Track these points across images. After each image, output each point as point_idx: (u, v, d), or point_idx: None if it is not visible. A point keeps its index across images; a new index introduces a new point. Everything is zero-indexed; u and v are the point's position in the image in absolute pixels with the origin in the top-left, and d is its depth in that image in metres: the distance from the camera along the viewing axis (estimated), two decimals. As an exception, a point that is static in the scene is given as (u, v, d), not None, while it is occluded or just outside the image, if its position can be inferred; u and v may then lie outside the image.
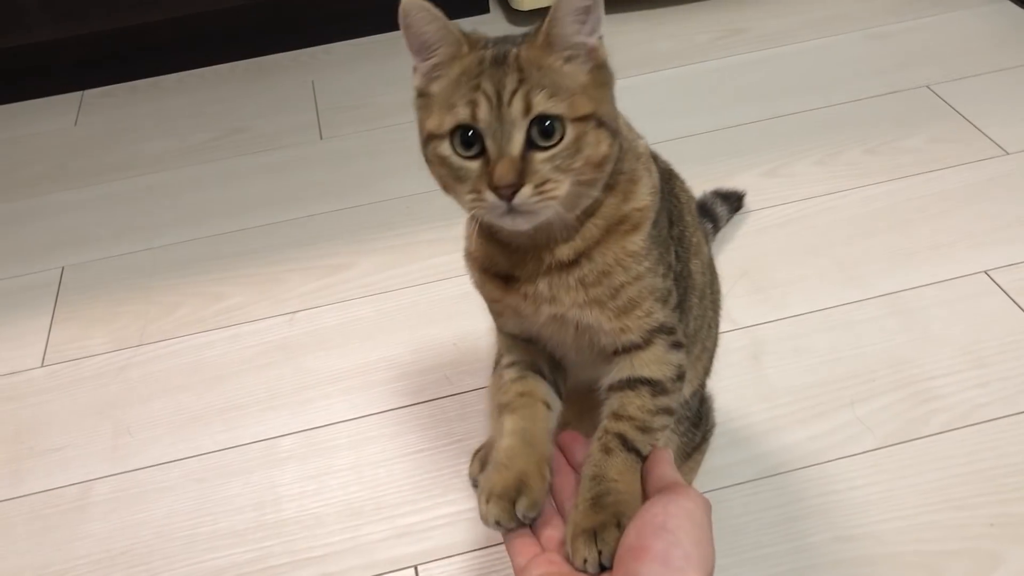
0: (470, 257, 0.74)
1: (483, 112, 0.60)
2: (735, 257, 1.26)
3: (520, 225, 0.63)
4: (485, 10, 1.91)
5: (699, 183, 1.38)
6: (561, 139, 0.61)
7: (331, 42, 1.88)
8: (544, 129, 0.60)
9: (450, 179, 0.63)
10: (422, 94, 0.66)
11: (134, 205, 1.52)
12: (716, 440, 1.03)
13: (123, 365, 1.23)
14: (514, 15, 1.86)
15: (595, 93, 0.63)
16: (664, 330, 0.71)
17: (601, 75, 0.65)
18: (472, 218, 0.66)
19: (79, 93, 1.83)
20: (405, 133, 1.59)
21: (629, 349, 0.71)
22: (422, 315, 1.24)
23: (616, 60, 1.90)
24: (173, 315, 1.30)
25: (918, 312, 1.16)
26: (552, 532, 0.67)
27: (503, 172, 0.60)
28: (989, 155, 1.39)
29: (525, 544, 0.67)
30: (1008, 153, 1.38)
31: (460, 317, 1.22)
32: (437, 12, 0.63)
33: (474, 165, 0.62)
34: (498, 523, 0.66)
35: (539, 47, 0.62)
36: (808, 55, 1.67)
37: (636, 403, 0.71)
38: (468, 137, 0.61)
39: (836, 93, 1.55)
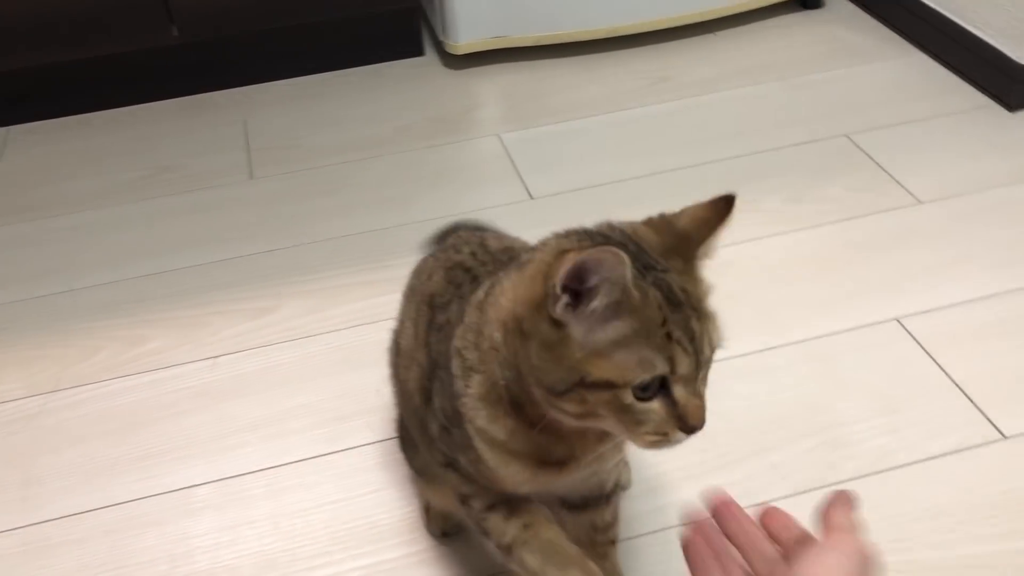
0: (490, 441, 0.68)
1: (684, 366, 0.59)
2: (657, 303, 1.28)
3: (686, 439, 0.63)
4: (419, 53, 1.92)
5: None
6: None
7: (266, 81, 1.87)
8: None
9: (624, 421, 0.60)
10: (556, 325, 0.59)
11: (56, 245, 1.49)
12: (632, 488, 1.04)
13: (36, 412, 1.20)
14: (449, 58, 1.88)
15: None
16: None
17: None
18: (513, 408, 0.65)
19: (4, 129, 1.79)
20: (335, 174, 1.61)
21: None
22: (345, 360, 1.23)
23: (548, 105, 1.94)
24: (92, 359, 1.27)
25: (832, 359, 1.19)
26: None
27: (701, 414, 0.61)
28: (903, 204, 1.43)
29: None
30: (921, 202, 1.43)
31: (383, 363, 1.21)
32: (626, 279, 0.57)
33: (655, 407, 0.60)
34: None
35: (694, 276, 0.62)
36: (732, 103, 1.72)
37: (611, 509, 0.84)
38: (648, 382, 0.59)
39: (759, 141, 1.60)
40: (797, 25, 1.94)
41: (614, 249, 0.55)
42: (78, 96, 1.81)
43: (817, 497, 1.01)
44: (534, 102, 1.76)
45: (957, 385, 1.14)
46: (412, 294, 0.87)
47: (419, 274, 0.88)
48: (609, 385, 0.58)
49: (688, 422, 0.60)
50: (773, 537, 0.67)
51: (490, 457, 0.68)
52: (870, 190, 1.47)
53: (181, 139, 1.73)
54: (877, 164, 1.52)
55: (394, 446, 1.10)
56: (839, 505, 0.65)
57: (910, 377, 1.15)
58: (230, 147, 1.69)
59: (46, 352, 1.29)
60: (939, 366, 1.16)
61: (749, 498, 1.02)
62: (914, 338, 1.20)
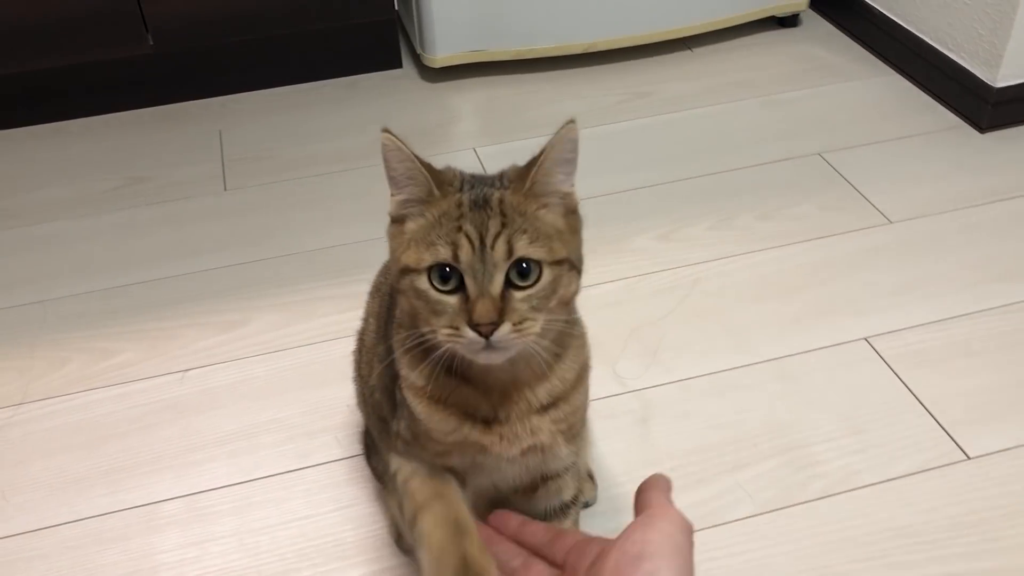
0: (414, 388, 0.73)
1: (465, 254, 0.63)
2: (626, 320, 1.29)
3: (494, 359, 0.65)
4: (398, 65, 1.92)
5: (598, 244, 1.42)
6: (537, 280, 0.64)
7: (241, 92, 1.87)
8: (522, 270, 0.64)
9: (426, 311, 0.65)
10: (395, 221, 0.69)
11: (25, 255, 1.48)
12: (600, 505, 1.04)
13: (3, 424, 1.19)
14: (426, 71, 1.88)
15: (569, 238, 0.67)
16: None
17: (573, 220, 0.68)
18: (424, 352, 0.68)
19: (-24, 136, 1.78)
20: (309, 186, 1.60)
21: (560, 474, 0.81)
22: (315, 375, 1.23)
23: (524, 119, 1.94)
24: (59, 372, 1.26)
25: (801, 378, 1.19)
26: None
27: (484, 311, 0.62)
28: (874, 223, 1.45)
29: None
30: (891, 222, 1.45)
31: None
32: (408, 152, 0.66)
33: (452, 300, 0.64)
34: None
35: (523, 194, 0.65)
36: (708, 120, 1.73)
37: (569, 522, 0.85)
38: (446, 273, 0.64)
39: (733, 158, 1.61)
40: (774, 43, 1.96)
41: (399, 143, 0.66)
42: (52, 104, 1.80)
43: (785, 517, 1.03)
44: (511, 116, 1.76)
45: (923, 405, 1.14)
46: (376, 291, 0.93)
47: (385, 271, 0.92)
48: (410, 271, 0.65)
49: (472, 316, 0.62)
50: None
51: (416, 405, 0.72)
52: (841, 209, 1.48)
53: (155, 149, 1.72)
54: (849, 183, 1.53)
55: (362, 463, 1.09)
56: (657, 487, 0.66)
57: (877, 397, 1.16)
58: (204, 158, 1.69)
59: (13, 363, 1.27)
60: (906, 386, 1.17)
61: (717, 516, 1.03)
62: (882, 358, 1.21)
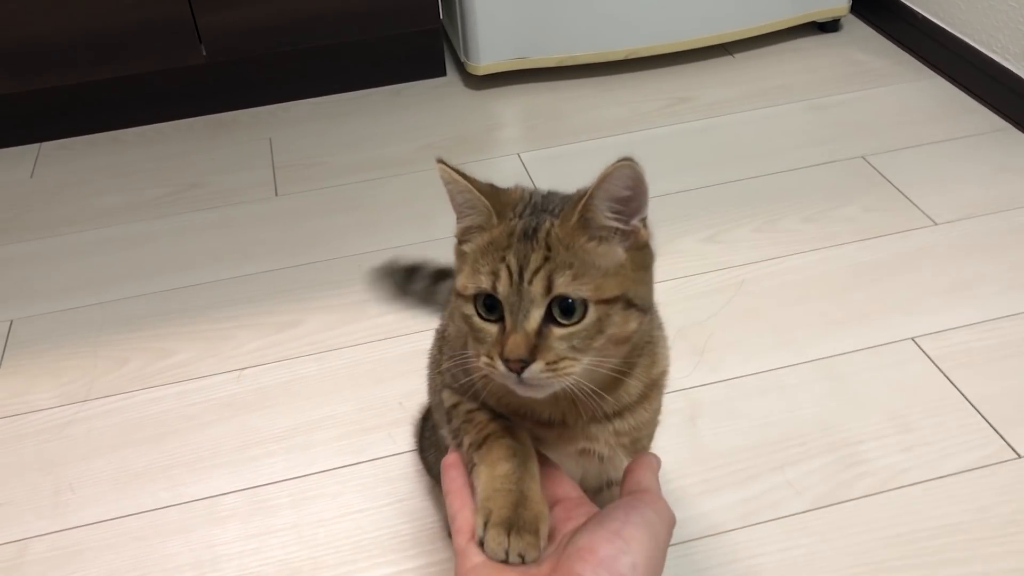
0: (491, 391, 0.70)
1: (503, 286, 0.61)
2: (673, 320, 1.30)
3: (530, 394, 0.63)
4: (441, 73, 1.96)
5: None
6: (582, 319, 0.61)
7: (290, 100, 1.91)
8: (565, 307, 0.60)
9: (470, 336, 0.64)
10: (459, 242, 0.67)
11: (86, 259, 1.53)
12: (651, 502, 1.06)
13: (68, 420, 1.23)
14: (469, 79, 1.91)
15: (630, 274, 0.63)
16: None
17: (639, 256, 0.65)
18: (465, 371, 0.69)
19: (36, 145, 1.84)
20: (358, 192, 1.64)
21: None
22: (368, 374, 1.26)
23: (567, 125, 1.96)
24: (120, 371, 1.30)
25: (848, 377, 1.20)
26: None
27: (514, 347, 0.60)
28: (919, 225, 1.45)
29: (467, 521, 0.64)
30: (936, 224, 1.45)
31: (405, 377, 1.24)
32: (464, 184, 0.64)
33: (493, 329, 0.62)
34: (521, 557, 0.60)
35: (572, 226, 0.62)
36: (750, 125, 1.74)
37: None
38: (491, 302, 0.62)
39: (776, 162, 1.62)
40: (815, 48, 1.97)
41: (455, 175, 0.64)
42: (109, 113, 1.85)
43: (834, 513, 1.03)
44: (554, 122, 1.78)
45: (972, 404, 1.15)
46: None
47: None
48: (459, 294, 0.64)
49: (503, 350, 0.61)
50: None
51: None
52: (886, 211, 1.48)
53: (208, 156, 1.77)
54: (893, 185, 1.54)
55: (415, 458, 1.12)
56: (648, 467, 0.67)
57: (925, 396, 1.16)
58: (256, 164, 1.73)
59: (77, 363, 1.32)
60: (954, 385, 1.17)
61: (766, 513, 1.04)
62: (929, 357, 1.22)
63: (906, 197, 1.51)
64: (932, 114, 1.72)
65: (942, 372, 1.19)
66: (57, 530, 1.08)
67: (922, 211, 1.48)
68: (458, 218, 0.67)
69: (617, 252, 0.63)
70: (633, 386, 0.69)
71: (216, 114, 1.89)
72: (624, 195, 0.62)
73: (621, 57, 1.88)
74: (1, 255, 1.55)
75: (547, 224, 0.62)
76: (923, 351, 1.22)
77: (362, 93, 1.93)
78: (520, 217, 0.64)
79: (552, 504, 0.65)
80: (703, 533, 1.03)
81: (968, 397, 1.16)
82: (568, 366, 0.61)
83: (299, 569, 1.02)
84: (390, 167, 1.70)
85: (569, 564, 0.57)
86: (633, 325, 0.63)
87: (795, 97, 1.80)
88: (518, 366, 0.60)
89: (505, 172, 1.65)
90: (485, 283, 0.62)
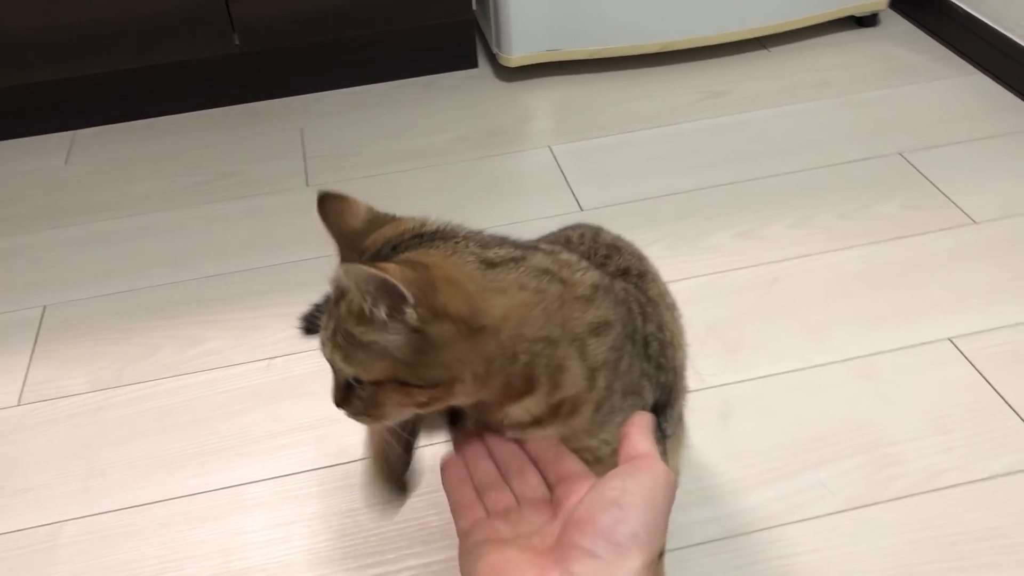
0: None
1: (321, 340, 0.65)
2: (705, 316, 1.29)
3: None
4: (473, 65, 1.95)
5: (675, 242, 1.42)
6: (363, 389, 0.64)
7: (323, 90, 1.92)
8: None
9: None
10: None
11: (119, 246, 1.54)
12: (681, 498, 1.04)
13: (100, 406, 1.24)
14: (501, 70, 1.90)
15: (405, 358, 0.61)
16: None
17: (417, 339, 0.61)
18: None
19: (71, 132, 1.85)
20: (388, 183, 1.64)
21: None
22: (397, 365, 1.25)
23: (599, 118, 1.94)
24: (152, 357, 1.31)
25: (883, 377, 1.18)
26: (499, 497, 0.66)
27: (332, 392, 0.67)
28: (958, 223, 1.42)
29: (470, 507, 0.66)
30: (976, 222, 1.42)
31: (435, 368, 1.23)
32: (318, 216, 0.70)
33: None
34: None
35: (346, 309, 0.62)
36: (785, 119, 1.72)
37: None
38: None
39: (812, 157, 1.59)
40: (851, 43, 1.94)
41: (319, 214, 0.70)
42: (143, 101, 1.86)
43: (868, 514, 1.02)
44: (586, 115, 1.77)
45: (1011, 407, 1.12)
46: None
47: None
48: None
49: None
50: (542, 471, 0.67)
51: None
52: (924, 209, 1.46)
53: (240, 145, 1.77)
54: (932, 183, 1.51)
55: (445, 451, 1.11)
56: (638, 429, 0.65)
57: (962, 398, 1.14)
58: (287, 154, 1.73)
59: (109, 349, 1.33)
60: (992, 387, 1.15)
61: (798, 512, 1.02)
62: (967, 358, 1.19)
63: (944, 195, 1.48)
64: (972, 111, 1.69)
65: (980, 374, 1.17)
66: (88, 514, 1.09)
67: (961, 209, 1.45)
68: None
69: (386, 337, 0.61)
70: (518, 413, 0.66)
71: (249, 103, 1.90)
72: (368, 292, 0.60)
73: (655, 50, 1.87)
74: (35, 241, 1.56)
75: (339, 297, 0.63)
76: (961, 352, 1.20)
77: (394, 84, 1.93)
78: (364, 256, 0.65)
79: (557, 481, 0.65)
80: (734, 532, 1.01)
81: (1007, 399, 1.13)
82: (366, 421, 0.66)
83: (327, 559, 1.02)
84: (421, 158, 1.69)
85: (568, 535, 0.57)
86: (420, 399, 0.63)
87: (831, 92, 1.78)
88: (336, 405, 0.67)
89: (536, 165, 1.65)
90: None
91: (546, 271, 0.66)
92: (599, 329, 0.67)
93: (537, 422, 0.67)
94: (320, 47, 1.86)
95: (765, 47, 1.94)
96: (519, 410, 0.66)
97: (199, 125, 1.86)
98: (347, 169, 1.68)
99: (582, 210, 1.51)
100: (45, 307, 1.41)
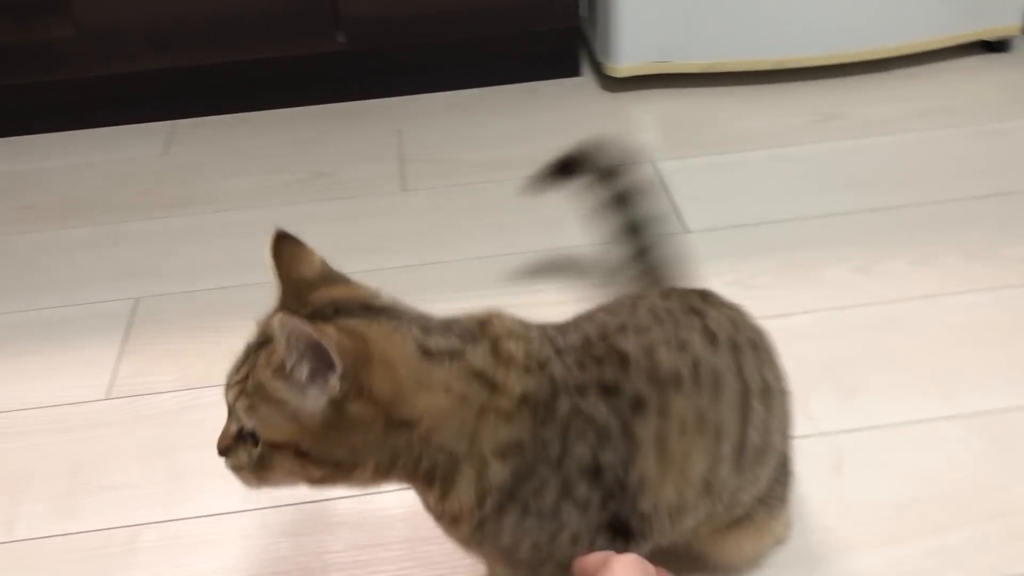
0: None
1: (226, 378, 0.64)
2: (819, 355, 1.21)
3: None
4: (576, 73, 1.90)
5: (787, 273, 1.34)
6: (255, 446, 0.61)
7: (421, 92, 1.88)
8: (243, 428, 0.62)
9: None
10: None
11: (213, 241, 1.52)
12: (787, 555, 0.97)
13: (186, 405, 1.22)
14: (605, 80, 1.84)
15: (313, 428, 0.60)
16: None
17: (331, 412, 0.59)
18: None
19: (171, 123, 1.86)
20: (486, 192, 1.59)
21: None
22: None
23: (707, 136, 1.87)
24: (240, 358, 1.28)
25: (1014, 437, 1.09)
26: None
27: (220, 436, 0.64)
28: (1098, 271, 1.31)
29: None
30: (1120, 271, 1.31)
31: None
32: (269, 257, 0.69)
33: None
34: None
35: (265, 358, 0.61)
36: (906, 148, 1.62)
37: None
38: None
39: (934, 190, 1.50)
40: (981, 69, 1.83)
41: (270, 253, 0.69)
42: (242, 95, 1.86)
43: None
44: (693, 131, 1.70)
45: None
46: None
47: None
48: None
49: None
50: None
51: None
52: (1061, 253, 1.35)
53: (337, 145, 1.75)
54: (1069, 225, 1.40)
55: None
56: None
57: (1105, 467, 1.05)
58: (384, 157, 1.70)
59: (198, 347, 1.31)
60: None
61: (919, 583, 0.94)
62: (1110, 423, 1.09)
63: (1084, 239, 1.37)
64: (1113, 148, 1.57)
65: (1126, 440, 1.07)
66: (169, 519, 1.07)
67: (1102, 256, 1.34)
68: None
69: (300, 401, 0.59)
70: (453, 501, 0.65)
71: (347, 102, 1.87)
72: (296, 349, 0.58)
73: (768, 67, 1.78)
74: (131, 231, 1.56)
75: (261, 343, 0.62)
76: (1103, 415, 1.10)
77: (494, 89, 1.88)
78: (273, 315, 0.64)
79: None
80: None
81: None
82: (246, 479, 0.63)
83: (410, 588, 0.98)
84: (519, 168, 1.63)
85: None
86: (314, 474, 0.61)
87: (958, 121, 1.67)
88: (219, 454, 0.64)
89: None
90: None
91: (479, 373, 0.62)
92: (507, 451, 0.63)
93: (438, 517, 0.68)
94: (423, 48, 1.83)
95: (885, 69, 1.84)
96: (428, 499, 0.67)
97: (296, 121, 1.84)
98: (444, 175, 1.64)
99: (687, 232, 1.44)
100: (138, 299, 1.40)
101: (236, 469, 0.62)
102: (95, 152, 1.78)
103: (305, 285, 0.66)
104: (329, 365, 0.57)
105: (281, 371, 0.59)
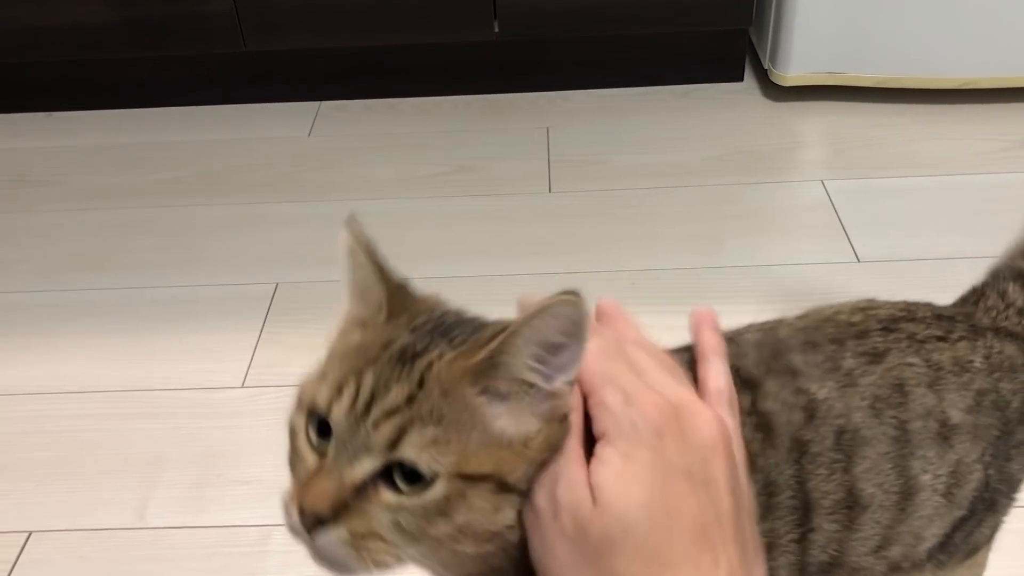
0: None
1: (339, 409, 0.45)
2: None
3: (325, 569, 0.46)
4: (738, 78, 1.79)
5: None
6: (425, 490, 0.44)
7: (571, 89, 1.81)
8: (408, 471, 0.44)
9: (290, 454, 0.50)
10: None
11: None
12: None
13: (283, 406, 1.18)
14: (770, 88, 1.73)
15: (530, 453, 0.45)
16: None
17: (555, 432, 0.46)
18: None
19: (317, 103, 1.83)
20: (636, 200, 1.50)
21: None
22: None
23: (880, 156, 1.73)
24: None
25: None
26: None
27: (318, 495, 0.44)
28: None
29: None
30: None
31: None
32: (365, 258, 0.52)
33: (311, 460, 0.47)
34: None
35: (467, 368, 0.45)
36: (1114, 186, 1.46)
37: None
38: (324, 425, 0.47)
39: None
40: None
41: (354, 242, 0.52)
42: (389, 80, 1.82)
43: None
44: (866, 150, 1.57)
45: None
46: None
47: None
48: (299, 396, 0.53)
49: (303, 494, 0.46)
50: None
51: None
52: None
53: (483, 139, 1.69)
54: None
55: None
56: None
57: None
58: (531, 155, 1.64)
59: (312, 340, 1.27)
60: None
61: None
62: None
63: None
64: None
65: None
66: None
67: None
68: (349, 303, 0.54)
69: (525, 418, 0.45)
70: None
71: (494, 94, 1.81)
72: (557, 342, 0.45)
73: (953, 86, 1.64)
74: (274, 213, 1.54)
75: (434, 354, 0.46)
76: None
77: (648, 90, 1.79)
78: (413, 331, 0.48)
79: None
80: None
81: None
82: (379, 551, 0.44)
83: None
84: (673, 176, 1.55)
85: None
86: (507, 517, 0.45)
87: None
88: (311, 522, 0.44)
89: (805, 200, 1.47)
90: (321, 397, 0.47)
91: None
92: None
93: None
94: (578, 43, 1.75)
95: (1086, 94, 1.67)
96: None
97: (442, 111, 1.79)
98: (592, 178, 1.56)
99: (859, 261, 1.32)
100: (277, 284, 1.37)
101: (361, 539, 0.44)
102: (241, 129, 1.77)
103: (396, 288, 0.53)
104: (561, 362, 0.46)
105: (498, 378, 0.45)
